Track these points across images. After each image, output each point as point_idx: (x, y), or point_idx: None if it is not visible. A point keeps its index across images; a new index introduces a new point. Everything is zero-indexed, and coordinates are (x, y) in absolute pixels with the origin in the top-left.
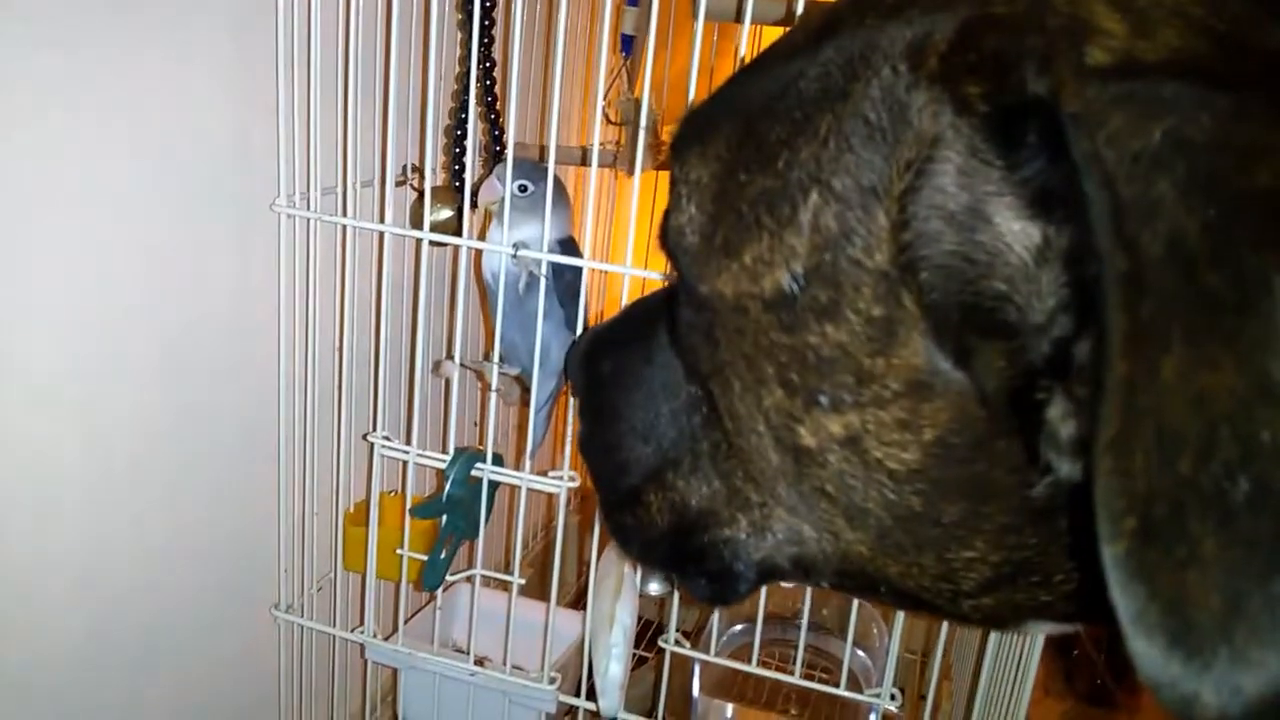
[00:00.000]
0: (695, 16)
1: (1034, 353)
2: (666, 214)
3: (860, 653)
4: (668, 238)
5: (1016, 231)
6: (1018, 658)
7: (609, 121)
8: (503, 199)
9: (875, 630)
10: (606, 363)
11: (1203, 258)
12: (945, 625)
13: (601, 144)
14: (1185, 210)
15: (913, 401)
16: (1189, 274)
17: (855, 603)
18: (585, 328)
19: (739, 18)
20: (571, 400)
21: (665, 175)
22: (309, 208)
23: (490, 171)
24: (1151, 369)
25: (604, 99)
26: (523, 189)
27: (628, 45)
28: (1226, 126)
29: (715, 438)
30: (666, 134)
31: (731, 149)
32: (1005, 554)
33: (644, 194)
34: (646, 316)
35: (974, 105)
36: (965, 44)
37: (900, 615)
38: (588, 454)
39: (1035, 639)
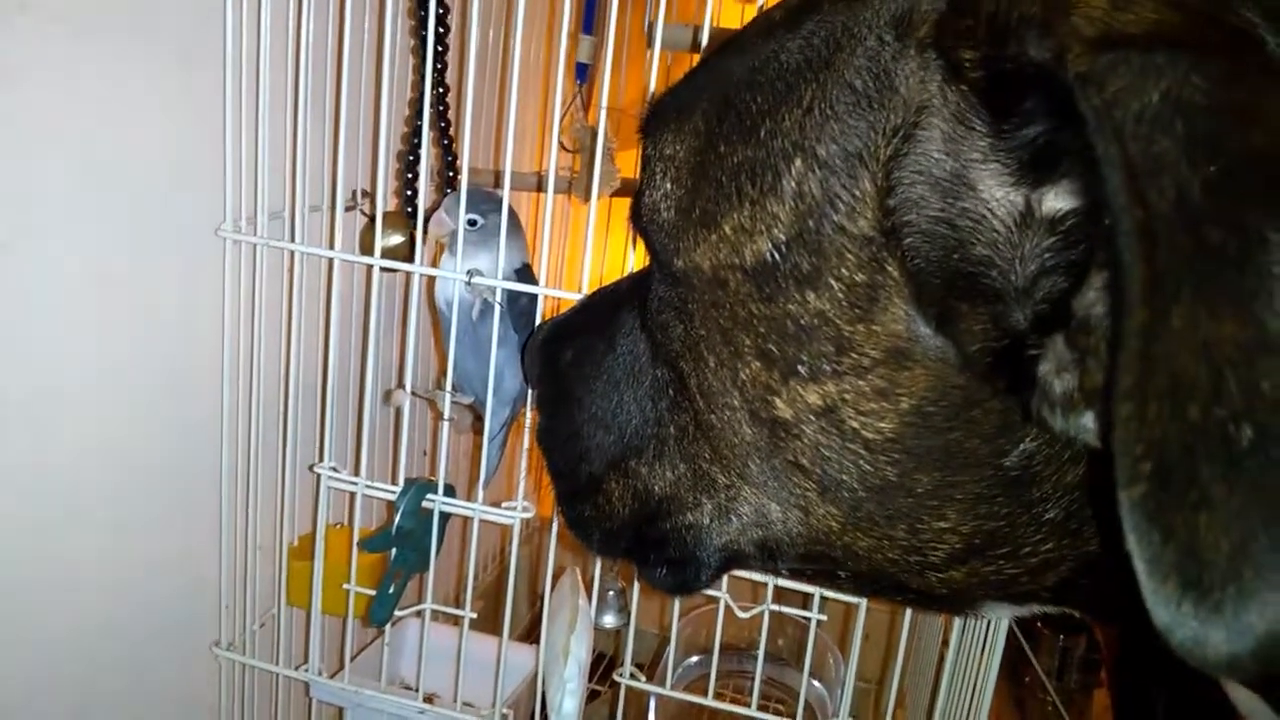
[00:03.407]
0: (650, 47)
1: (1017, 314)
2: (638, 193)
3: (816, 683)
4: (641, 216)
5: (999, 199)
6: (973, 685)
7: (564, 149)
8: (453, 231)
9: (831, 660)
10: (567, 352)
11: (1205, 213)
12: (901, 653)
13: (557, 170)
14: (1188, 167)
15: (891, 369)
16: (1194, 228)
17: (811, 633)
18: None
19: (694, 48)
20: (526, 429)
21: (620, 202)
22: (255, 232)
23: (443, 196)
24: (1163, 317)
25: (559, 126)
26: (472, 223)
27: (582, 73)
28: (1219, 89)
29: (683, 420)
30: (620, 161)
31: (710, 122)
32: (976, 524)
33: (599, 221)
34: (608, 304)
35: (966, 71)
36: (960, 11)
37: (856, 645)
38: (545, 445)
39: (991, 666)
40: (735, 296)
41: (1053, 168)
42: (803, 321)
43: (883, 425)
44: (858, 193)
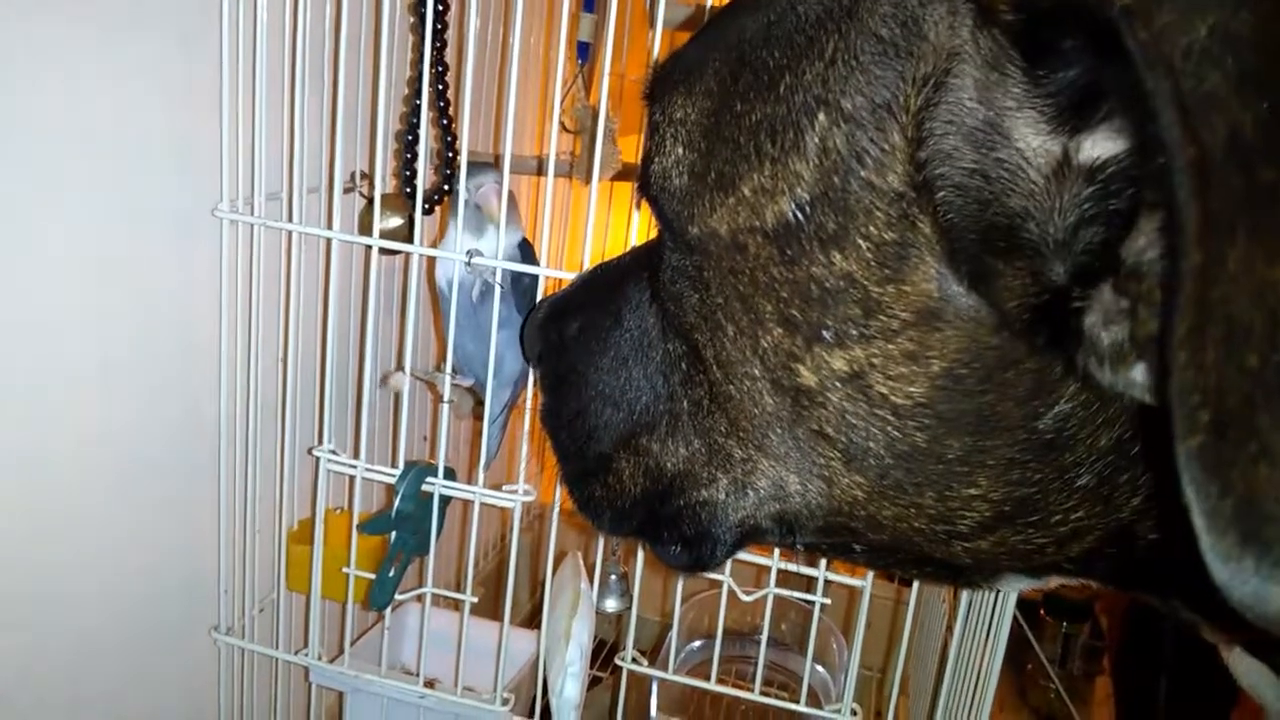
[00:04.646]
0: (653, 26)
1: (1056, 267)
2: (646, 160)
3: (819, 669)
4: (650, 183)
5: (1036, 148)
6: (976, 672)
7: (565, 129)
8: (467, 204)
9: (834, 646)
10: (570, 329)
11: (1258, 151)
12: (905, 640)
13: (558, 154)
14: (1239, 104)
15: (922, 331)
16: (1248, 167)
17: (815, 617)
18: None
19: (698, 26)
20: (526, 412)
21: (621, 185)
22: (253, 213)
23: (442, 178)
24: (1219, 260)
25: (560, 107)
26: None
27: (584, 53)
28: (1268, 23)
29: (697, 394)
30: (623, 143)
31: (723, 82)
32: (1007, 491)
33: (600, 203)
34: (611, 279)
35: (999, 14)
36: None
37: (860, 630)
38: (550, 426)
39: (996, 654)
40: (755, 261)
41: (1091, 112)
42: (828, 284)
43: (912, 390)
44: (886, 146)
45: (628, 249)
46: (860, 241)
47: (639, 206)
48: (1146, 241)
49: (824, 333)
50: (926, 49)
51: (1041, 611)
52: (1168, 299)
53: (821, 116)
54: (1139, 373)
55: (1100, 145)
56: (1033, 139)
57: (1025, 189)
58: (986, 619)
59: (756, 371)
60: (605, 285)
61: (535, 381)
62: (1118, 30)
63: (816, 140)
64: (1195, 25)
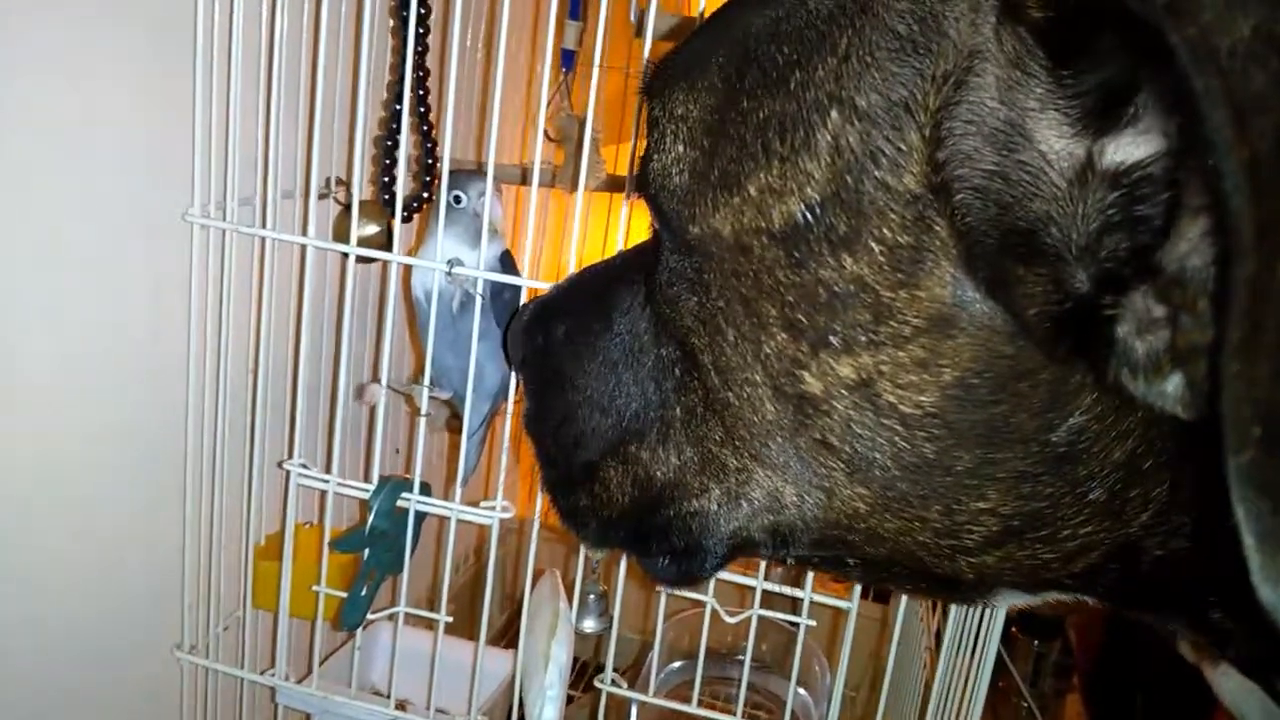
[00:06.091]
0: (639, 35)
1: (1079, 274)
2: (646, 158)
3: (801, 691)
4: (649, 181)
5: (1059, 150)
6: (961, 692)
7: (548, 139)
8: (464, 212)
9: (816, 667)
10: (556, 332)
11: None
12: (891, 661)
13: (541, 163)
14: None
15: (934, 339)
16: None
17: (800, 639)
18: None
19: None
20: (506, 426)
21: (606, 196)
22: (224, 218)
23: (421, 185)
24: (1270, 268)
25: (544, 115)
26: (456, 200)
27: (569, 60)
28: None
29: (690, 401)
30: (606, 154)
31: (728, 78)
32: (1017, 505)
33: (584, 214)
34: (600, 282)
35: (1026, 12)
36: None
37: (846, 653)
38: (534, 432)
39: (982, 676)
40: (760, 263)
41: (1116, 116)
42: (837, 288)
43: (922, 399)
44: (903, 146)
45: (619, 251)
46: (872, 244)
47: (628, 200)
48: (1189, 247)
49: (831, 338)
50: (946, 46)
51: (1014, 629)
52: (1218, 308)
53: (834, 114)
54: (1173, 384)
55: (1124, 150)
56: (1055, 141)
57: (1047, 193)
58: (971, 640)
59: (757, 378)
60: (594, 288)
61: (517, 391)
62: (1160, 28)
63: (829, 138)
64: (1238, 25)
